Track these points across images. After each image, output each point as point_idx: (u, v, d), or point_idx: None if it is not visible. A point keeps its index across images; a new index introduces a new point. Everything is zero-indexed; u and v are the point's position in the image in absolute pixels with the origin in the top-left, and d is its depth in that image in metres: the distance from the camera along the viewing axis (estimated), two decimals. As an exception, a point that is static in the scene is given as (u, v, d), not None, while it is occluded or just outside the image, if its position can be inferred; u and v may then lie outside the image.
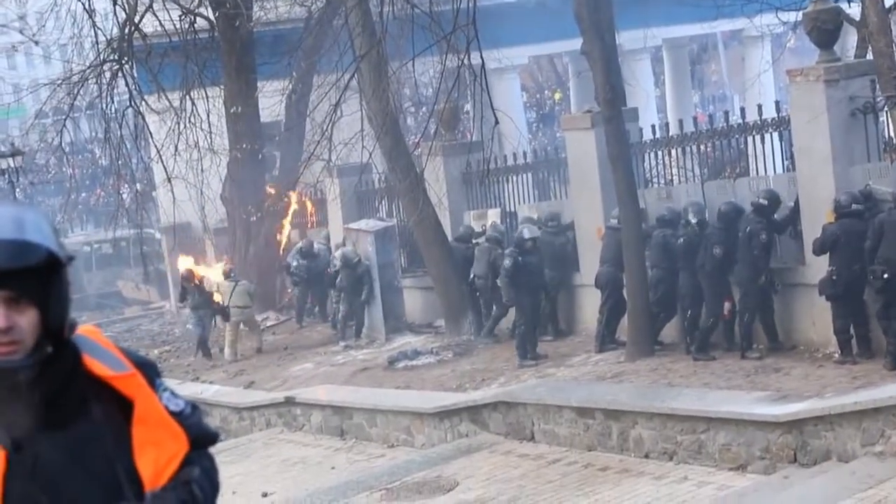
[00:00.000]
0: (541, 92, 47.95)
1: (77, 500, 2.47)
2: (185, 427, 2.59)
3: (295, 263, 21.12)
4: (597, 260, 15.09)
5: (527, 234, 15.51)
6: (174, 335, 24.85)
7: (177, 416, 2.59)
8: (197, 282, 19.59)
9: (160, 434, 2.53)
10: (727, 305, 13.12)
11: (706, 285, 13.26)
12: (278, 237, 22.90)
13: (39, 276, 2.42)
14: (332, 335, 19.58)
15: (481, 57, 15.38)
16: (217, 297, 19.60)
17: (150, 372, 2.63)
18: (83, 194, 32.16)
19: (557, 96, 45.95)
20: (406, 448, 13.01)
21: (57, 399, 2.48)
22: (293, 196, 22.66)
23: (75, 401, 2.50)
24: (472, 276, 16.90)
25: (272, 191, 22.88)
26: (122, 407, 2.52)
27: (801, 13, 14.46)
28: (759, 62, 27.46)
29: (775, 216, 13.11)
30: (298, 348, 19.56)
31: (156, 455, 2.52)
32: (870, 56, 14.09)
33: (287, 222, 22.95)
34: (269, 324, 20.81)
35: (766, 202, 12.97)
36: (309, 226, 23.65)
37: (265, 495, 11.86)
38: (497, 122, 15.46)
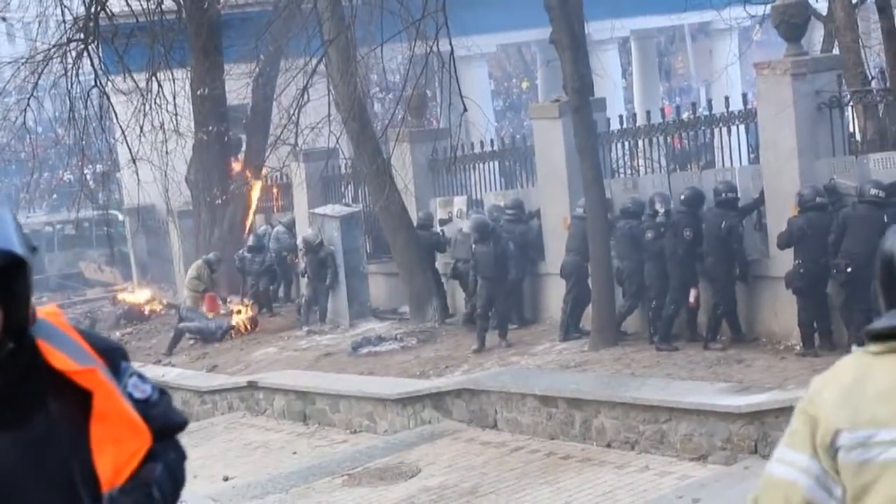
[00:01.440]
0: (508, 80, 47.98)
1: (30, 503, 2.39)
2: (151, 417, 2.51)
3: (248, 256, 21.23)
4: (562, 249, 15.11)
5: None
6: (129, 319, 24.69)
7: (142, 403, 2.51)
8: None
9: (120, 431, 2.45)
10: (693, 293, 13.17)
11: (675, 273, 13.28)
12: (245, 222, 22.82)
13: (1, 277, 2.37)
14: (296, 320, 19.53)
15: (450, 44, 15.36)
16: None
17: (114, 357, 2.55)
18: (45, 174, 31.84)
19: (525, 85, 46.01)
20: (368, 434, 13.00)
21: (13, 396, 2.41)
22: (255, 184, 22.62)
23: (32, 397, 2.43)
24: (453, 261, 16.82)
25: (237, 167, 22.79)
26: (83, 401, 2.43)
27: (768, 7, 14.52)
28: (727, 55, 27.55)
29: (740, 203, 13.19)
30: (261, 332, 19.50)
31: (115, 453, 2.44)
32: (836, 51, 14.20)
33: (251, 210, 22.89)
34: (232, 308, 20.72)
35: (733, 195, 13.04)
36: (274, 210, 23.56)
37: (226, 479, 11.83)
38: (465, 110, 15.44)
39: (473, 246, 15.49)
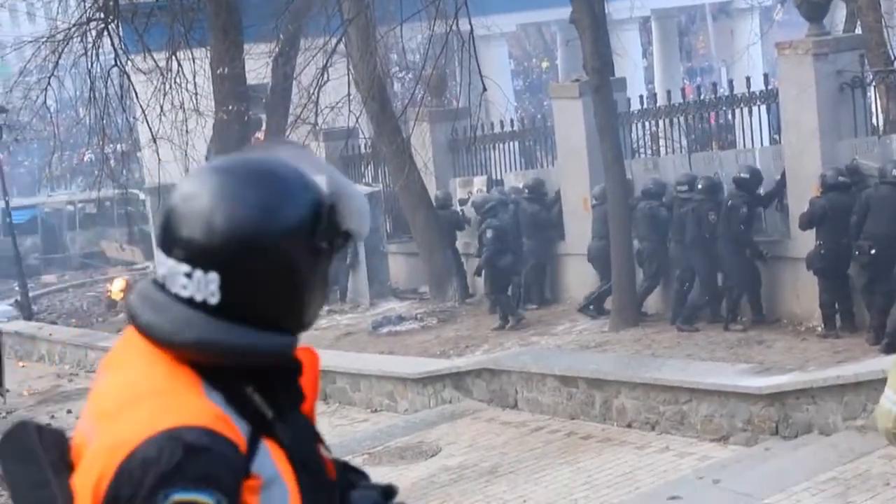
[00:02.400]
0: (528, 60, 47.83)
1: None
2: None
3: None
4: (582, 229, 15.10)
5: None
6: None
7: None
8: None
9: None
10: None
11: (701, 258, 13.25)
12: None
13: None
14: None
15: (470, 23, 15.33)
16: None
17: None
18: (66, 153, 31.95)
19: (545, 65, 45.86)
20: (389, 413, 13.04)
21: None
22: None
23: None
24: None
25: (257, 146, 22.77)
26: None
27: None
28: (748, 35, 27.41)
29: (761, 191, 13.14)
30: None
31: None
32: (859, 31, 14.11)
33: None
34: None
35: (747, 176, 13.00)
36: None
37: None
38: (485, 90, 15.44)
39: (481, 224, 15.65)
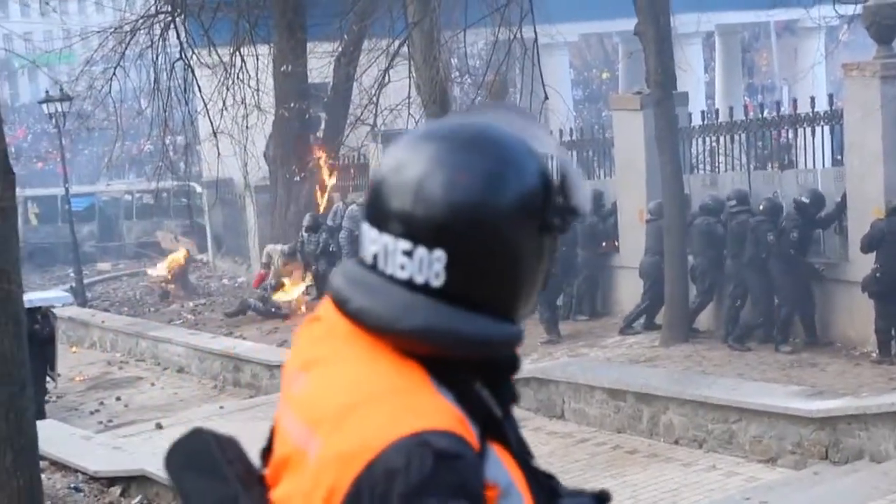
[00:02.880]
0: (588, 70, 47.70)
1: None
2: None
3: (305, 236, 21.08)
4: (637, 242, 15.03)
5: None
6: (209, 288, 25.02)
7: None
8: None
9: None
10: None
11: (757, 278, 13.15)
12: (317, 200, 22.92)
13: None
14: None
15: (535, 31, 15.31)
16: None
17: None
18: (127, 143, 32.29)
19: (605, 75, 45.71)
20: (435, 417, 13.02)
21: None
22: (324, 167, 22.67)
23: None
24: None
25: (320, 154, 22.88)
26: None
27: (859, 7, 14.29)
28: (812, 54, 27.15)
29: (822, 213, 13.02)
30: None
31: None
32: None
33: (326, 189, 22.98)
34: (307, 284, 20.87)
35: (807, 201, 12.90)
36: (350, 190, 23.66)
37: (292, 454, 11.91)
38: (546, 98, 15.40)
39: None
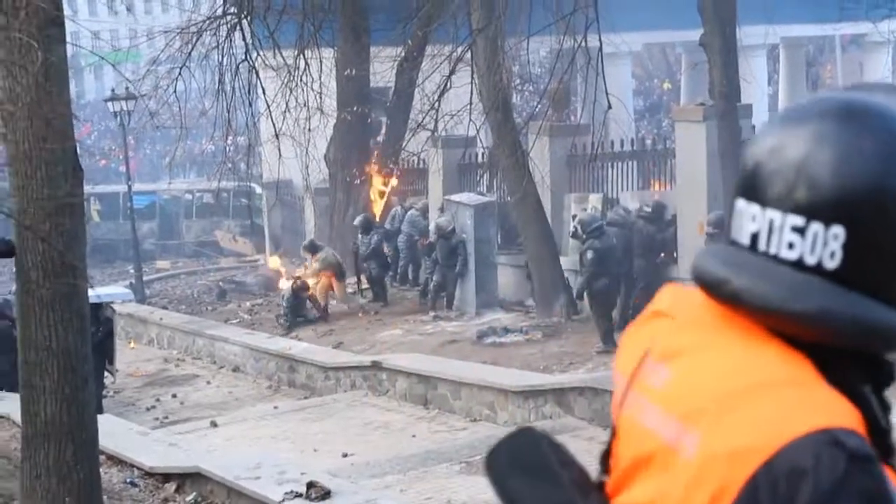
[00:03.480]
0: (649, 80, 47.49)
1: None
2: None
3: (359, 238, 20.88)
4: (695, 253, 14.94)
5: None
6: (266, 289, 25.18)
7: None
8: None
9: None
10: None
11: None
12: (370, 204, 22.98)
13: None
14: (422, 304, 19.65)
15: (599, 40, 15.29)
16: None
17: None
18: (189, 142, 32.61)
19: (666, 86, 45.49)
20: (488, 423, 13.03)
21: None
22: (375, 175, 22.65)
23: None
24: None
25: (375, 161, 22.94)
26: None
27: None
28: (879, 69, 26.88)
29: None
30: (388, 314, 19.67)
31: None
32: None
33: (385, 193, 23.01)
34: (363, 286, 20.92)
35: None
36: (409, 195, 23.74)
37: (346, 455, 11.98)
38: (609, 107, 15.36)
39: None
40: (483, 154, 20.98)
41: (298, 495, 8.19)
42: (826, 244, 1.49)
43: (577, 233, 16.12)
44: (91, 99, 55.88)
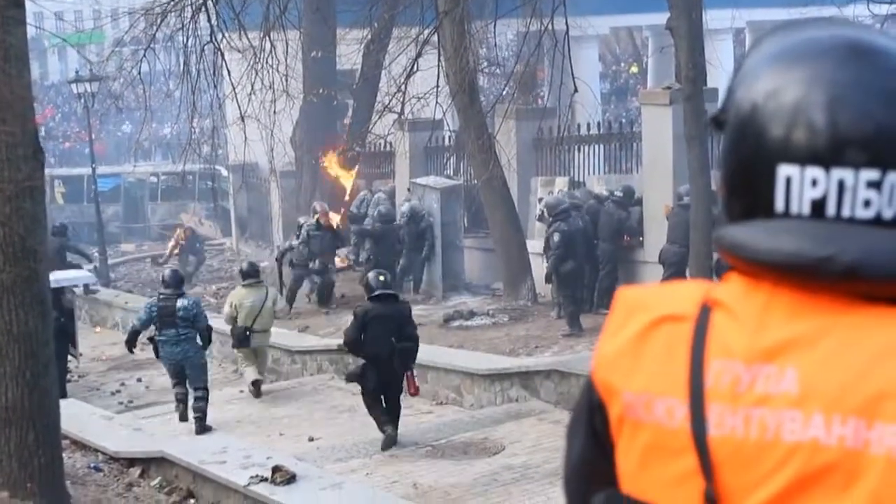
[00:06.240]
0: (616, 63, 47.53)
1: None
2: None
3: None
4: (662, 237, 14.98)
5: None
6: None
7: None
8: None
9: None
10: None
11: None
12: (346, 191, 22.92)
13: None
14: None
15: (566, 23, 15.27)
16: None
17: None
18: (154, 125, 32.39)
19: (633, 69, 45.54)
20: (454, 407, 13.03)
21: None
22: (330, 160, 22.45)
23: None
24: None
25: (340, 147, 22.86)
26: None
27: (894, 6, 14.18)
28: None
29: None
30: (354, 298, 19.58)
31: None
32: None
33: (352, 174, 22.94)
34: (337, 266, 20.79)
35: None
36: (376, 178, 23.69)
37: (312, 439, 11.95)
38: (576, 91, 15.36)
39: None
40: (450, 137, 20.93)
41: (264, 479, 8.17)
42: None
43: (544, 216, 16.12)
44: (55, 81, 55.39)
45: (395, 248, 18.94)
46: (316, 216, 19.00)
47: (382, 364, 11.12)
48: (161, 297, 12.76)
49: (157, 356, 12.94)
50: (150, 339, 12.89)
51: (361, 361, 11.40)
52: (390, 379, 11.26)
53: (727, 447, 1.40)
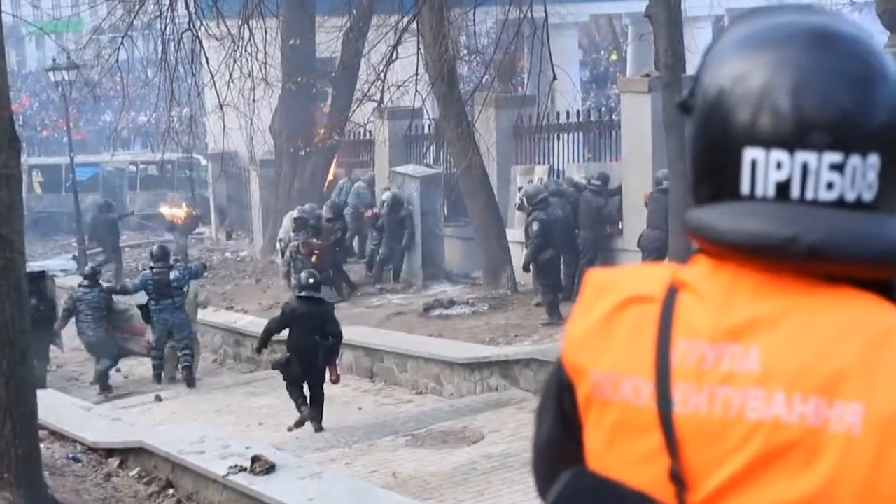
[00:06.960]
0: (596, 51, 47.53)
1: None
2: None
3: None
4: (642, 225, 15.00)
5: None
6: (212, 262, 24.98)
7: None
8: None
9: None
10: None
11: None
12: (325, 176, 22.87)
13: None
14: (368, 277, 19.55)
15: (545, 10, 15.25)
16: None
17: None
18: (133, 113, 32.24)
19: (613, 57, 45.55)
20: (434, 396, 13.03)
21: None
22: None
23: None
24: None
25: (322, 121, 22.80)
26: None
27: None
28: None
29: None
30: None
31: None
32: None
33: (331, 164, 22.89)
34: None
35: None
36: (355, 166, 23.64)
37: (290, 429, 11.93)
38: (555, 78, 15.35)
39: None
40: (429, 125, 20.89)
41: (243, 469, 8.13)
42: (864, 176, 1.41)
43: (523, 205, 16.12)
44: (33, 69, 55.05)
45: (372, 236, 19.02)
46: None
47: (305, 358, 11.75)
48: (154, 270, 14.57)
49: (147, 321, 14.73)
50: (142, 307, 14.65)
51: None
52: (312, 371, 11.84)
53: (691, 425, 1.41)
